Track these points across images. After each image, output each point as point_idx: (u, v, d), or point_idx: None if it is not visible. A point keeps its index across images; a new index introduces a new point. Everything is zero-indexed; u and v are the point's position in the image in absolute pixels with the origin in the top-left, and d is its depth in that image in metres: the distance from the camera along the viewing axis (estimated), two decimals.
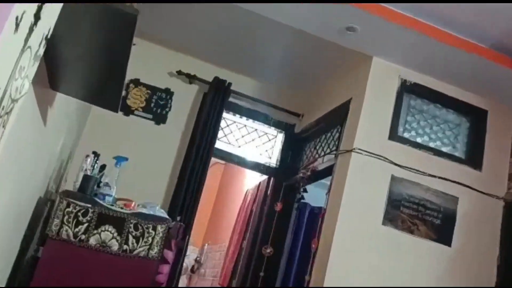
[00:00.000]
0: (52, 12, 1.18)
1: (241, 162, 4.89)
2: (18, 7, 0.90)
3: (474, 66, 3.62)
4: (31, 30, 1.04)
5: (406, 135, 3.81)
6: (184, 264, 5.57)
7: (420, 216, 3.60)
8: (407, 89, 3.87)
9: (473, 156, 3.88)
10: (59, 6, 1.21)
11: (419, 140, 3.83)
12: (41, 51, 1.20)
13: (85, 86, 2.06)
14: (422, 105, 3.94)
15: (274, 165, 4.89)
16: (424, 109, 3.94)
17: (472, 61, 3.57)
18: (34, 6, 1.02)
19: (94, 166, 3.22)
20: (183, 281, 6.65)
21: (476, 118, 3.99)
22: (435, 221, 3.63)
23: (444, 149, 3.86)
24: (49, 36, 1.23)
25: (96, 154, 3.29)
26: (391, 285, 3.39)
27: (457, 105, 3.95)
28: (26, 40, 1.04)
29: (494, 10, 3.17)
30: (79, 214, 2.72)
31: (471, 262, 3.63)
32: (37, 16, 1.06)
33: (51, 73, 1.79)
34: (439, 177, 3.70)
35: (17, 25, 0.94)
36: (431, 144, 3.85)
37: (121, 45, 1.62)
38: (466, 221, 3.70)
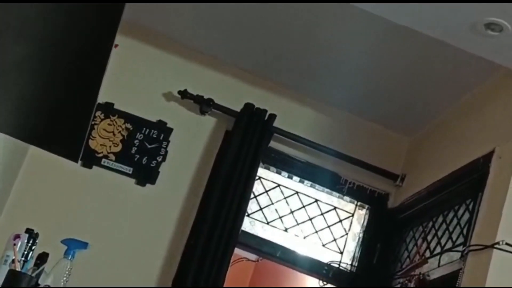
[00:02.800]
0: None
1: (287, 258, 3.74)
2: None
3: None
4: None
5: None
6: None
7: None
8: None
9: None
10: None
11: None
12: None
13: (23, 113, 1.78)
14: None
15: (348, 267, 3.75)
16: None
17: None
18: None
19: (27, 254, 2.46)
20: None
21: None
22: None
23: None
24: None
25: (31, 234, 2.51)
26: None
27: None
28: None
29: None
30: None
31: None
32: None
33: None
34: None
35: None
36: None
37: (95, 45, 1.59)
38: None
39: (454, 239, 3.23)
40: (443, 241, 3.35)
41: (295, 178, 3.81)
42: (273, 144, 3.62)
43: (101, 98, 3.51)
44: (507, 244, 2.64)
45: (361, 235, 3.84)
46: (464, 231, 3.17)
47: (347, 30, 3.28)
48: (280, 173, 3.81)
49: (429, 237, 3.53)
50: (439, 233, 3.44)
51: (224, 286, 3.54)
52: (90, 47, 1.55)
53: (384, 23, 2.90)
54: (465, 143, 3.43)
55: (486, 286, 2.64)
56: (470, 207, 3.15)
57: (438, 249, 3.35)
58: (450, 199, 3.38)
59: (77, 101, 1.68)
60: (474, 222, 3.00)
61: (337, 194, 3.84)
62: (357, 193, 3.83)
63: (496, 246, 2.65)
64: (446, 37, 2.89)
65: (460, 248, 3.02)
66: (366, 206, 3.89)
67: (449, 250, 3.16)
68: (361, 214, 3.90)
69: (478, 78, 3.26)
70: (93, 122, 3.49)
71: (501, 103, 3.20)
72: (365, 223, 3.87)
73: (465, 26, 2.73)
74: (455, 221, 3.31)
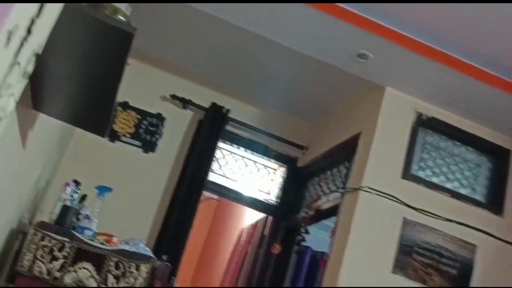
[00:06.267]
0: (44, 27, 1.22)
1: (236, 197, 4.90)
2: (11, 20, 0.93)
3: (499, 101, 3.70)
4: (21, 45, 1.08)
5: (420, 174, 3.85)
6: None
7: (435, 265, 3.62)
8: (423, 123, 3.95)
9: (494, 200, 3.93)
10: (52, 21, 1.25)
11: (435, 180, 3.87)
12: (30, 69, 1.24)
13: (71, 107, 2.10)
14: (439, 141, 4.01)
15: (273, 203, 4.90)
16: (441, 146, 4.00)
17: (496, 96, 3.65)
18: (26, 20, 1.06)
19: (74, 196, 3.22)
20: None
21: (498, 158, 4.06)
22: (451, 271, 3.64)
23: (462, 191, 3.91)
24: (40, 53, 1.27)
25: (76, 183, 3.30)
26: None
27: (478, 143, 4.03)
28: (16, 55, 1.08)
29: None
30: (55, 248, 2.71)
31: None
32: (29, 31, 1.10)
33: (35, 92, 1.83)
34: (457, 222, 3.73)
35: (8, 38, 0.97)
36: (448, 185, 3.89)
37: (114, 64, 1.67)
38: (485, 272, 3.71)
39: (337, 184, 4.20)
40: (331, 186, 4.34)
41: (242, 148, 4.89)
42: (228, 127, 4.69)
43: (121, 98, 4.45)
44: (368, 187, 3.64)
45: (281, 183, 4.92)
46: (344, 181, 4.02)
47: (273, 59, 4.14)
48: (232, 145, 4.87)
49: (322, 184, 4.51)
50: (328, 182, 4.41)
51: (199, 215, 4.47)
52: (111, 64, 1.64)
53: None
54: (344, 127, 4.32)
55: (355, 213, 3.57)
56: (347, 165, 4.09)
57: (327, 191, 4.33)
58: (335, 160, 4.36)
59: (104, 99, 1.89)
60: (349, 175, 3.91)
61: (267, 158, 4.94)
62: (279, 157, 4.92)
63: (362, 189, 3.62)
64: (333, 62, 3.79)
65: (341, 190, 3.98)
66: (285, 165, 4.97)
67: (334, 191, 4.15)
68: (282, 170, 4.98)
69: (354, 85, 4.07)
70: (115, 113, 4.41)
71: (366, 103, 4.11)
72: (284, 175, 4.94)
73: (344, 55, 3.65)
74: (337, 174, 4.30)
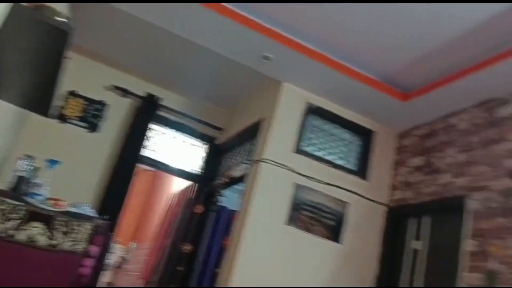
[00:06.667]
0: None
1: (168, 169, 4.90)
2: None
3: (367, 95, 3.87)
4: None
5: (308, 149, 3.98)
6: (110, 260, 5.43)
7: (317, 218, 3.78)
8: (312, 111, 4.07)
9: (362, 169, 4.13)
10: (0, 19, 1.21)
11: (319, 154, 4.02)
12: None
13: (22, 93, 2.08)
14: (323, 125, 4.14)
15: (197, 173, 4.93)
16: (324, 128, 4.14)
17: (366, 91, 3.81)
18: None
19: (28, 168, 3.09)
20: (108, 275, 6.49)
21: (365, 137, 4.25)
22: (329, 222, 3.81)
23: (339, 162, 4.07)
24: None
25: (30, 157, 3.15)
26: (291, 275, 3.54)
27: (351, 126, 4.21)
28: None
29: (388, 50, 3.41)
30: (10, 211, 2.63)
31: (358, 257, 3.86)
32: None
33: None
34: (334, 185, 3.91)
35: None
36: (329, 158, 4.05)
37: (55, 58, 1.67)
38: (354, 223, 3.92)
39: (245, 158, 4.16)
40: (240, 159, 4.33)
41: (171, 129, 4.89)
42: (161, 113, 4.74)
43: (71, 88, 4.37)
44: (268, 159, 3.71)
45: (204, 157, 5.00)
46: (250, 154, 3.95)
47: (196, 57, 4.01)
48: (163, 127, 4.86)
49: (234, 157, 4.54)
50: (239, 155, 4.45)
51: (139, 183, 4.62)
52: (53, 58, 1.62)
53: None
54: (251, 113, 4.36)
55: (258, 179, 3.62)
56: (253, 143, 4.06)
57: (237, 163, 4.34)
58: (244, 139, 4.39)
59: (47, 87, 1.89)
60: (254, 150, 3.94)
61: (193, 137, 4.97)
62: (202, 137, 4.97)
63: (262, 160, 3.70)
64: (243, 61, 3.78)
65: (248, 162, 4.00)
66: (206, 143, 5.02)
67: (243, 163, 4.17)
68: (204, 147, 5.03)
69: (260, 80, 4.14)
70: (65, 100, 4.34)
71: (268, 94, 4.13)
72: (206, 151, 5.00)
73: (252, 56, 3.67)
74: (246, 150, 4.26)
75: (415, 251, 3.70)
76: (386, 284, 3.74)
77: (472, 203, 3.22)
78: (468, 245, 3.10)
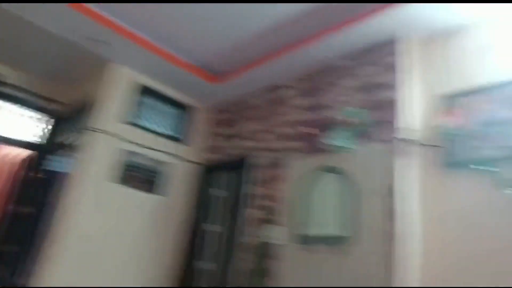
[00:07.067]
0: None
1: (9, 141, 4.35)
2: None
3: (184, 76, 3.86)
4: None
5: (137, 121, 3.87)
6: None
7: (143, 177, 3.74)
8: (140, 89, 3.94)
9: (184, 137, 4.18)
10: None
11: (147, 125, 3.93)
12: None
13: None
14: (150, 101, 4.04)
15: (39, 142, 4.44)
16: (151, 104, 4.04)
17: (182, 73, 3.81)
18: None
19: None
20: None
21: (184, 110, 4.27)
22: (155, 180, 3.81)
23: (164, 132, 4.04)
24: None
25: None
26: (124, 223, 3.47)
27: (175, 102, 4.20)
28: None
29: (206, 38, 3.40)
30: None
31: (179, 206, 3.93)
32: None
33: None
34: (158, 150, 3.91)
35: None
36: (156, 128, 3.99)
37: None
38: (177, 180, 3.98)
39: (81, 128, 3.79)
40: (76, 129, 3.74)
41: (18, 104, 4.26)
42: (8, 90, 4.08)
43: None
44: (99, 129, 3.49)
45: (45, 128, 4.45)
46: (85, 125, 3.72)
47: (39, 39, 3.55)
48: (8, 103, 4.22)
49: (71, 128, 3.92)
50: (75, 126, 3.77)
51: None
52: None
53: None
54: (88, 90, 3.92)
55: (92, 146, 3.45)
56: (88, 115, 3.62)
57: (74, 132, 3.76)
58: (80, 111, 3.85)
59: None
60: (88, 121, 3.58)
61: (35, 110, 4.39)
62: (44, 110, 4.41)
63: (95, 130, 3.50)
64: (82, 44, 3.46)
65: (81, 131, 3.58)
66: (48, 116, 4.46)
67: (78, 132, 3.66)
68: (45, 120, 4.47)
69: (97, 61, 3.69)
70: None
71: (104, 74, 3.75)
72: (47, 123, 4.48)
73: (89, 40, 3.37)
74: (81, 121, 3.69)
75: (218, 197, 3.92)
76: (200, 222, 3.90)
77: (257, 160, 3.51)
78: (251, 189, 3.39)
